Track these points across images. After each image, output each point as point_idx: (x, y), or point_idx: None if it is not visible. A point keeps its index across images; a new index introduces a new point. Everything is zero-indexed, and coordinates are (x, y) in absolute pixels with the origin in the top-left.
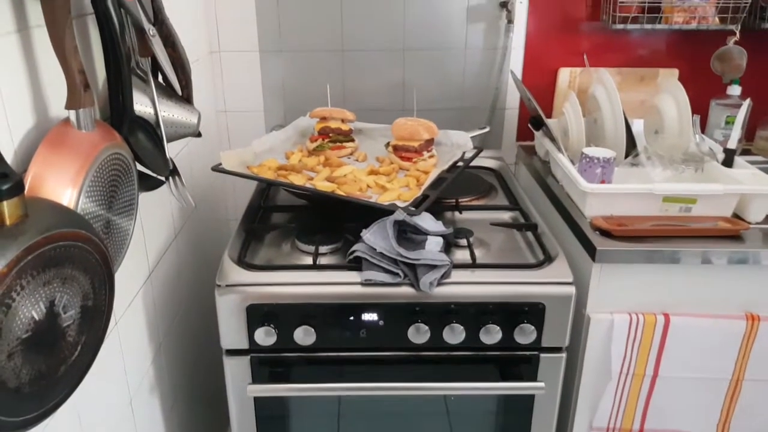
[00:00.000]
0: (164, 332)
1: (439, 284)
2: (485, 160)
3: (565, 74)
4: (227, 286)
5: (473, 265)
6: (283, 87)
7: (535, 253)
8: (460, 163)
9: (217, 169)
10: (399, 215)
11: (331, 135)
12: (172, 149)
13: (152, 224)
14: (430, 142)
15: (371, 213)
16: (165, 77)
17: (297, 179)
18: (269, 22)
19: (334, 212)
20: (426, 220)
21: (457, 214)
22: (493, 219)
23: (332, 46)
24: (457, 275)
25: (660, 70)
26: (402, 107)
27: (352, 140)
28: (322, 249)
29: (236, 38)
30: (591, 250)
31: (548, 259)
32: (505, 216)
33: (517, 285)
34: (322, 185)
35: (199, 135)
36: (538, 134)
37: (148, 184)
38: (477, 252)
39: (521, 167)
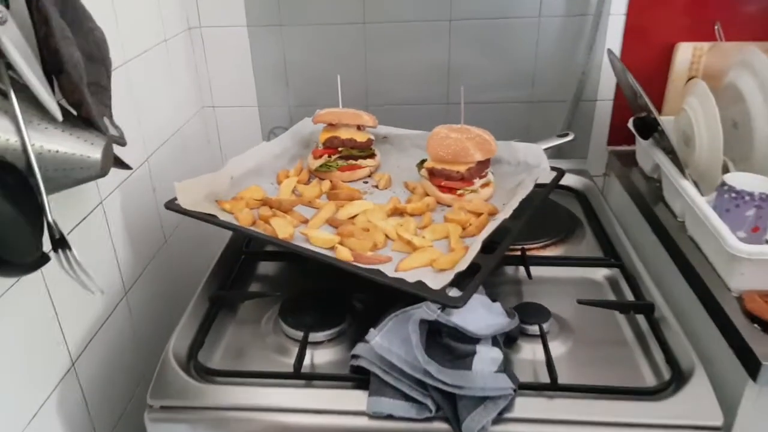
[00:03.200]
0: None
1: (495, 423)
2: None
3: (685, 52)
4: (163, 408)
5: (553, 386)
6: (285, 75)
7: (652, 360)
8: (526, 190)
9: (172, 207)
10: (429, 312)
11: (341, 149)
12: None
13: (75, 296)
14: (484, 165)
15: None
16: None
17: (281, 225)
18: None
19: (339, 272)
20: (474, 310)
21: (521, 271)
22: (580, 284)
23: (350, 16)
24: (525, 406)
25: None
26: (446, 100)
27: (372, 155)
28: (316, 336)
29: (221, 8)
30: (749, 359)
31: (678, 377)
32: (598, 275)
33: (630, 429)
34: (319, 237)
35: (127, 167)
36: (644, 143)
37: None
38: (558, 355)
39: (613, 182)
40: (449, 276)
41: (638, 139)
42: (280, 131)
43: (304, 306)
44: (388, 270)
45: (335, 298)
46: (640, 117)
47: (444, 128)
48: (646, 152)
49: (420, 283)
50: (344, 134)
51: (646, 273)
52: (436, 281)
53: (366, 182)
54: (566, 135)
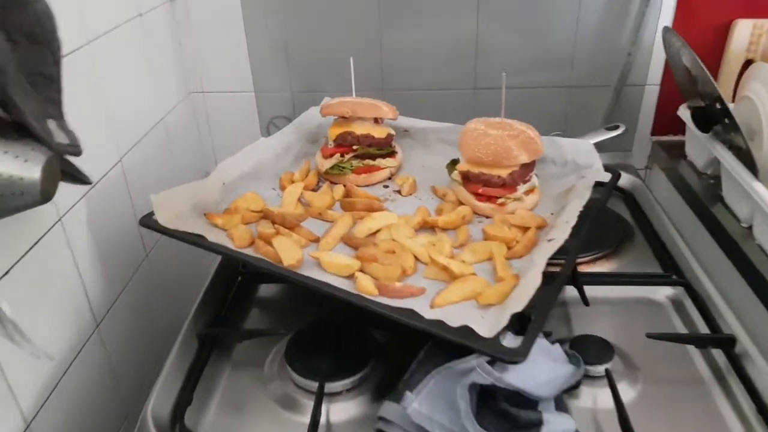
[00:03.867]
0: None
1: None
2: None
3: (743, 30)
4: None
5: None
6: (286, 55)
7: (737, 407)
8: (581, 199)
9: (149, 224)
10: (483, 375)
11: (356, 147)
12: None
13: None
14: (528, 168)
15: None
16: None
17: (286, 248)
18: None
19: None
20: (532, 360)
21: (569, 291)
22: (639, 305)
23: None
24: None
25: None
26: (473, 85)
27: (393, 153)
28: (333, 386)
29: None
30: None
31: None
32: (659, 295)
33: None
34: (333, 263)
35: (85, 182)
36: (701, 135)
37: None
38: (626, 402)
39: (657, 177)
40: (501, 319)
41: (690, 130)
42: (282, 122)
43: (316, 344)
44: (423, 307)
45: (354, 331)
46: (699, 106)
47: (480, 123)
48: (702, 145)
49: (466, 330)
50: (359, 129)
51: (716, 293)
52: (484, 325)
53: (386, 186)
54: (616, 128)
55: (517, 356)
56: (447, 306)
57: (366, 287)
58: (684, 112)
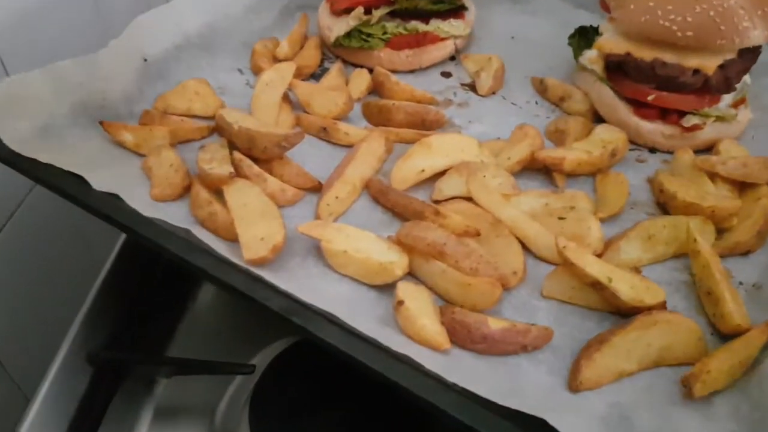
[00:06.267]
0: None
1: None
2: None
3: None
4: None
5: None
6: None
7: None
8: None
9: None
10: None
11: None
12: None
13: None
14: (751, 58)
15: None
16: None
17: (249, 215)
18: None
19: None
20: None
21: None
22: None
23: None
24: None
25: None
26: None
27: (461, 10)
28: None
29: None
30: None
31: None
32: None
33: None
34: (351, 254)
35: None
36: None
37: None
38: None
39: None
40: None
41: None
42: None
43: (306, 393)
44: (556, 395)
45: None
46: None
47: None
48: None
49: None
50: None
51: None
52: None
53: (448, 75)
54: None
55: None
56: (607, 385)
57: (423, 331)
58: None
